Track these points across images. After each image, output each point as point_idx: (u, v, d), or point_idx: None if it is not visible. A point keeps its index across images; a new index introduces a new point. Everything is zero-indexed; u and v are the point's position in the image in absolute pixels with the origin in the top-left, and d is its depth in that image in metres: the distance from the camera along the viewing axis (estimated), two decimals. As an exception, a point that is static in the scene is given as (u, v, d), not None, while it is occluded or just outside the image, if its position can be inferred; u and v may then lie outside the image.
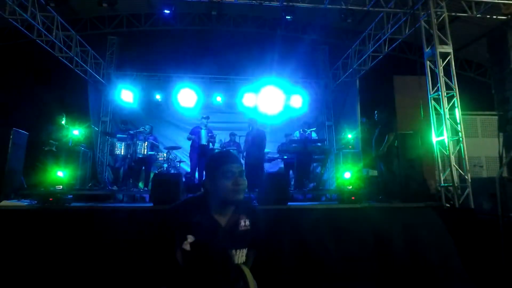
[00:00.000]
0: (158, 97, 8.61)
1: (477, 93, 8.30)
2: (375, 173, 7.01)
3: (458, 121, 5.09)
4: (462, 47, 8.91)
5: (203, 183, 1.56)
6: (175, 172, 6.92)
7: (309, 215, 4.09)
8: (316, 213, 4.22)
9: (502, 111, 6.89)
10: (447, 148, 5.01)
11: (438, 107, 5.21)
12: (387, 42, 6.97)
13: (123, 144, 6.53)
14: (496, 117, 6.96)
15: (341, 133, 8.55)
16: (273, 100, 8.65)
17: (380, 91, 8.01)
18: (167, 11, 5.93)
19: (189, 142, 7.10)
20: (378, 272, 3.56)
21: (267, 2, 5.97)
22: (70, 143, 6.26)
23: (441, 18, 5.44)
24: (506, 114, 6.77)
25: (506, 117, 6.74)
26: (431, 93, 5.32)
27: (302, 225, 3.80)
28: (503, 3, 5.89)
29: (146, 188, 6.75)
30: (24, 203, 4.50)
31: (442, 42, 5.31)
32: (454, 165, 4.90)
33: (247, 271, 1.44)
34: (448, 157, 4.96)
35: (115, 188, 6.62)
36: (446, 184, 4.92)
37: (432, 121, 5.25)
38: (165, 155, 7.07)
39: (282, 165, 7.85)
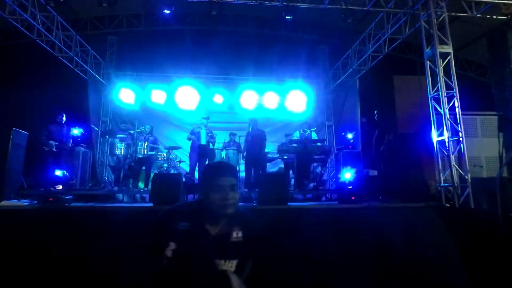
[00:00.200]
0: (158, 97, 8.61)
1: (477, 93, 8.31)
2: (375, 173, 7.03)
3: (458, 121, 5.09)
4: (462, 47, 8.91)
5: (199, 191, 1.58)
6: (175, 172, 6.93)
7: (309, 215, 4.09)
8: (316, 213, 4.23)
9: (502, 111, 6.91)
10: (447, 148, 5.01)
11: (438, 107, 5.21)
12: (387, 42, 6.97)
13: (123, 144, 6.54)
14: (496, 117, 6.98)
15: (341, 133, 8.56)
16: (273, 100, 8.66)
17: (380, 91, 8.01)
18: (167, 11, 5.93)
19: (189, 142, 7.11)
20: (378, 272, 3.56)
21: (267, 2, 5.97)
22: (70, 143, 6.27)
23: (441, 18, 5.43)
24: (506, 114, 6.79)
25: (506, 117, 6.76)
26: (431, 93, 5.32)
27: (302, 225, 3.80)
28: (503, 3, 5.89)
29: (146, 188, 6.76)
30: (24, 203, 4.51)
31: (442, 42, 5.30)
32: (454, 165, 4.90)
33: (234, 279, 1.44)
34: (448, 157, 4.96)
35: (115, 188, 6.62)
36: (446, 184, 4.92)
37: (432, 121, 5.25)
38: (165, 155, 7.08)
39: (282, 165, 7.86)
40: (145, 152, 6.50)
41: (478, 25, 7.64)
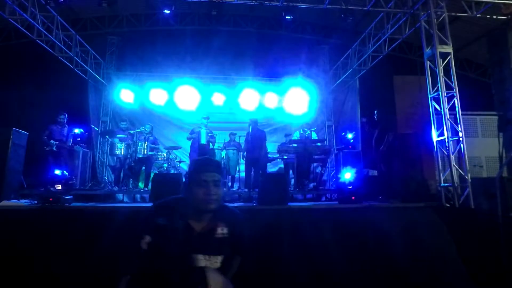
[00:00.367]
0: (158, 96, 8.60)
1: (477, 93, 8.31)
2: (375, 173, 7.03)
3: (458, 121, 5.09)
4: (462, 47, 8.90)
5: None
6: (175, 172, 6.93)
7: (309, 215, 4.09)
8: (316, 213, 4.23)
9: (502, 111, 6.91)
10: (447, 148, 5.01)
11: (438, 107, 5.21)
12: (387, 42, 6.97)
13: (123, 144, 6.53)
14: (496, 117, 6.98)
15: (341, 133, 8.55)
16: (273, 100, 8.66)
17: (380, 91, 8.00)
18: (167, 11, 5.92)
19: (189, 142, 7.11)
20: (378, 272, 3.56)
21: (267, 2, 5.96)
22: (70, 143, 6.27)
23: (441, 18, 5.43)
24: (506, 114, 6.79)
25: (506, 117, 6.76)
26: (431, 93, 5.32)
27: (302, 225, 3.80)
28: (503, 3, 5.89)
29: (146, 188, 6.76)
30: (24, 203, 4.50)
31: (442, 42, 5.30)
32: (454, 165, 4.90)
33: (211, 275, 1.45)
34: (448, 157, 4.96)
35: (115, 188, 6.62)
36: (446, 184, 4.92)
37: (432, 121, 5.25)
38: (165, 155, 7.08)
39: (282, 165, 7.86)
40: (145, 152, 6.50)
41: (478, 25, 7.64)
